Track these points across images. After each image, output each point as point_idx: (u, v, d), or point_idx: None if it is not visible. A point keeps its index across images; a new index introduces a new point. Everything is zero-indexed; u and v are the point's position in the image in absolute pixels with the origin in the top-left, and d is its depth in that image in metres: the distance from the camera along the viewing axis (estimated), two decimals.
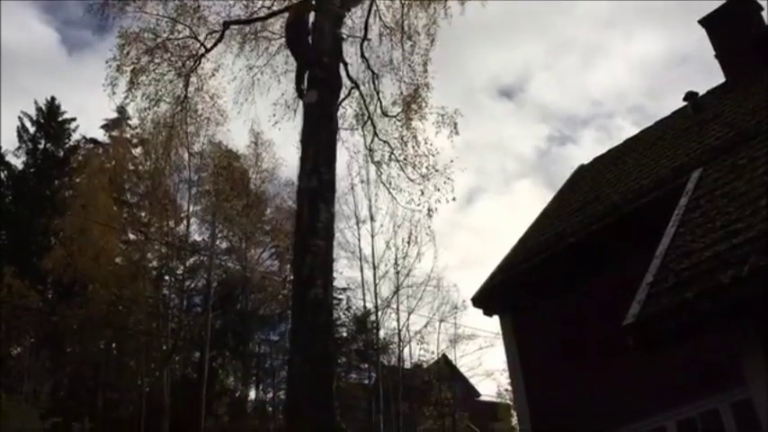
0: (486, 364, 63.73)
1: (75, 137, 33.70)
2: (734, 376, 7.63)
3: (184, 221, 25.93)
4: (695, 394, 8.31)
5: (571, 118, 73.32)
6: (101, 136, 33.06)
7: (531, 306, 10.70)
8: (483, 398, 36.81)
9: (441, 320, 28.18)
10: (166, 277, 25.16)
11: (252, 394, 29.66)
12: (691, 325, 6.04)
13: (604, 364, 9.38)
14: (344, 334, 29.59)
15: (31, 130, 33.70)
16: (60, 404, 18.31)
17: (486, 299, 11.27)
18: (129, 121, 28.26)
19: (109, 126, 32.38)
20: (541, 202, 13.52)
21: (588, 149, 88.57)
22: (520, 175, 70.41)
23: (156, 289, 23.32)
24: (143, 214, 25.94)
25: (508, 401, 30.34)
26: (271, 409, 26.74)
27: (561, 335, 10.17)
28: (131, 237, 25.48)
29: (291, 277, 13.75)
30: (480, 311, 11.47)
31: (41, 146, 33.06)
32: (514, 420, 26.63)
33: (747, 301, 5.67)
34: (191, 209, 25.94)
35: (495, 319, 11.32)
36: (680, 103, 12.23)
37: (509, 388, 27.37)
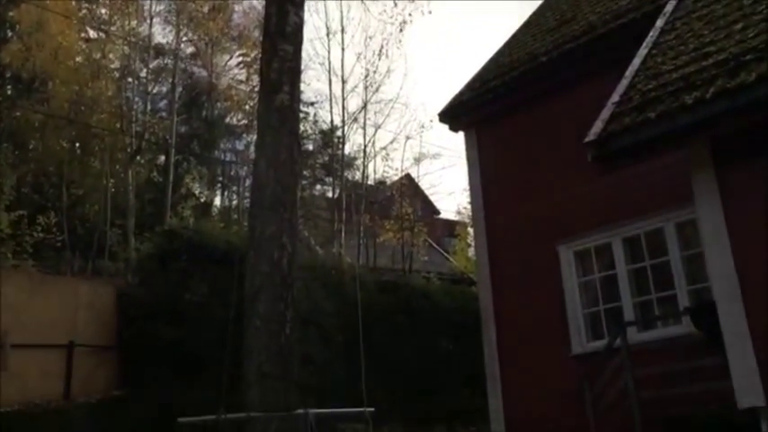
0: (448, 184, 65.26)
1: None
2: (681, 198, 7.97)
3: (147, 21, 24.85)
4: (642, 214, 8.69)
5: None
6: None
7: (496, 123, 10.80)
8: (442, 215, 38.05)
9: (407, 138, 28.40)
10: (129, 79, 24.48)
11: (217, 201, 30.18)
12: (649, 144, 6.20)
13: (560, 182, 9.70)
14: (310, 147, 29.72)
15: None
16: (25, 198, 18.47)
17: (453, 114, 11.33)
18: None
19: None
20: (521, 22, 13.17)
21: None
22: None
23: (119, 90, 22.76)
24: (103, 11, 24.73)
25: (466, 220, 31.47)
26: (236, 216, 27.28)
27: (522, 152, 10.39)
28: (92, 34, 24.44)
29: (258, 87, 13.51)
30: (446, 127, 11.56)
31: None
32: (470, 238, 27.74)
33: (707, 122, 5.79)
34: (153, 8, 24.77)
35: (460, 136, 11.43)
36: None
37: (468, 206, 28.28)
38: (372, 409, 11.22)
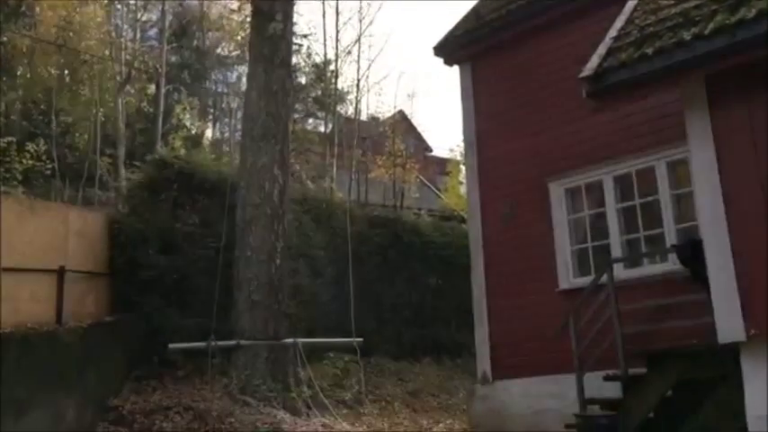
0: (441, 122, 64.88)
1: None
2: (673, 137, 7.97)
3: None
4: (634, 152, 8.70)
5: None
6: None
7: (491, 58, 10.68)
8: (434, 153, 37.95)
9: (401, 74, 28.09)
10: (118, 6, 23.92)
11: (208, 133, 29.90)
12: (645, 80, 6.13)
13: (553, 119, 9.67)
14: (303, 81, 29.33)
15: None
16: (13, 125, 18.23)
17: (449, 48, 11.17)
18: None
19: None
20: None
21: None
22: None
23: (108, 17, 22.25)
24: None
25: (458, 158, 31.42)
26: (228, 149, 27.10)
27: (516, 88, 10.30)
28: None
29: (250, 16, 13.25)
30: (441, 60, 11.41)
31: None
32: (462, 175, 27.73)
33: (705, 59, 5.74)
34: None
35: (455, 72, 11.29)
36: None
37: (460, 144, 28.22)
38: (361, 340, 11.48)
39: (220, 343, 10.12)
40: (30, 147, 16.86)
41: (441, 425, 10.31)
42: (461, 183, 28.61)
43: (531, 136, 9.89)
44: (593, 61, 6.50)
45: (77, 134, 21.03)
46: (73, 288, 10.01)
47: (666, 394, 7.54)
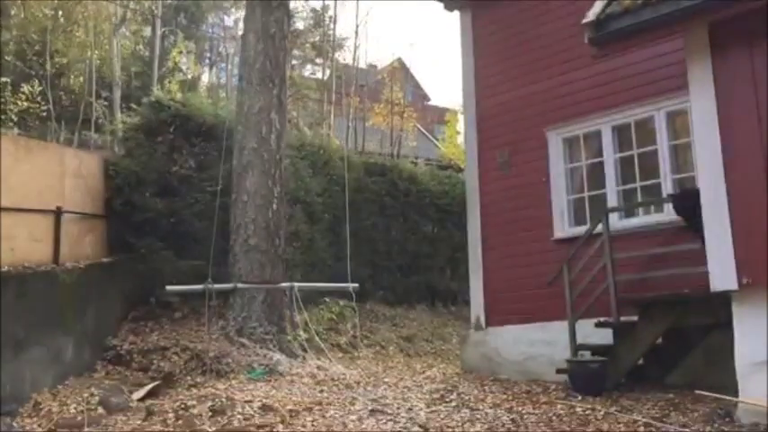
0: (440, 71, 64.25)
1: None
2: (673, 87, 7.94)
3: None
4: (634, 101, 8.67)
5: None
6: None
7: (492, 3, 10.52)
8: (433, 102, 37.74)
9: (398, 18, 27.66)
10: None
11: (205, 78, 29.62)
12: (649, 27, 6.09)
13: (553, 67, 9.60)
14: (301, 26, 28.93)
15: None
16: (8, 66, 17.99)
17: None
18: None
19: None
20: None
21: None
22: None
23: None
24: None
25: (456, 107, 31.22)
26: (224, 94, 26.85)
27: (517, 35, 10.20)
28: None
29: None
30: (441, 5, 11.25)
31: None
32: (460, 125, 27.59)
33: (709, 4, 5.69)
34: None
35: (455, 19, 11.13)
36: None
37: (459, 93, 27.98)
38: (356, 285, 11.58)
39: (217, 286, 10.20)
40: (24, 88, 16.73)
41: (434, 369, 10.47)
42: (459, 132, 28.48)
43: (531, 84, 9.83)
44: (597, 7, 6.44)
45: (72, 76, 20.78)
46: (70, 229, 10.03)
47: (656, 342, 7.69)
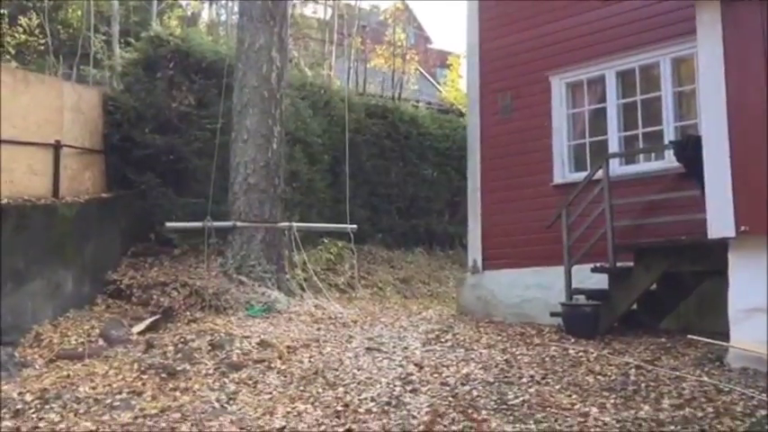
0: (443, 14, 63.22)
1: None
2: (680, 33, 7.83)
3: None
4: (639, 47, 8.56)
5: None
6: None
7: None
8: (435, 45, 37.17)
9: None
10: None
11: (204, 14, 29.06)
12: None
13: (558, 11, 9.45)
14: None
15: None
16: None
17: None
18: None
19: None
20: None
21: None
22: None
23: None
24: None
25: (459, 52, 30.79)
26: (224, 32, 26.43)
27: None
28: None
29: None
30: None
31: None
32: (462, 68, 27.26)
33: None
34: None
35: None
36: None
37: (462, 36, 27.53)
38: (355, 227, 11.63)
39: (216, 224, 10.25)
40: (22, 20, 16.47)
41: (430, 311, 10.59)
42: (461, 77, 28.15)
43: (535, 28, 9.67)
44: None
45: (71, 9, 20.42)
46: (70, 163, 10.02)
47: (651, 288, 7.76)
